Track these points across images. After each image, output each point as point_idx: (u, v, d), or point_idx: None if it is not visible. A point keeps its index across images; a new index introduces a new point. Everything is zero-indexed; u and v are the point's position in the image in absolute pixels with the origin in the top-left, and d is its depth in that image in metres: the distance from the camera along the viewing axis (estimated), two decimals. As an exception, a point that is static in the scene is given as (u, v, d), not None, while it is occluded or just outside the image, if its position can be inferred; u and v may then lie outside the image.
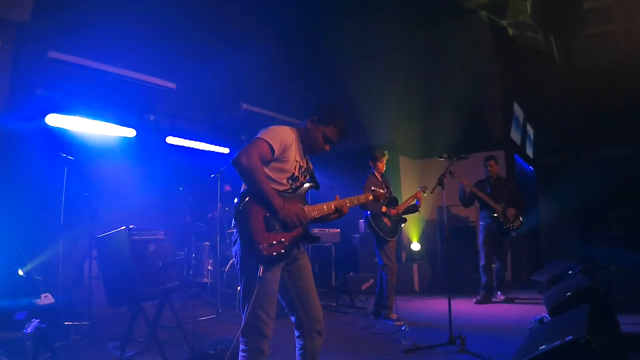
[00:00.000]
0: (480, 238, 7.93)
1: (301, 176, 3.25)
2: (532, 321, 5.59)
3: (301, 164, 3.25)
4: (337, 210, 3.33)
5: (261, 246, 2.92)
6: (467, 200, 7.87)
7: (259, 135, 3.03)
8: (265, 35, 9.40)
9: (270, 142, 2.98)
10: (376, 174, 6.70)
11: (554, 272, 6.89)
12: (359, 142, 10.34)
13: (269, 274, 2.97)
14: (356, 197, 3.57)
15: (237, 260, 3.07)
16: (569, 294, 4.93)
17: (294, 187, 3.20)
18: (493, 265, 7.78)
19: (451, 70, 8.52)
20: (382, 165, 6.73)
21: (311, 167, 3.43)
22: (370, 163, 6.75)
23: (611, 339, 3.32)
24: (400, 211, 6.65)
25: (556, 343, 2.81)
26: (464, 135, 9.18)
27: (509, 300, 7.63)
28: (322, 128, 3.24)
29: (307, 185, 3.29)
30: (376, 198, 3.79)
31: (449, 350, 4.82)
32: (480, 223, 7.97)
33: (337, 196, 3.41)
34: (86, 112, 7.13)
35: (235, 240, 3.07)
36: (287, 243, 3.04)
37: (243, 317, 2.99)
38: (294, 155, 3.16)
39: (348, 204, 3.40)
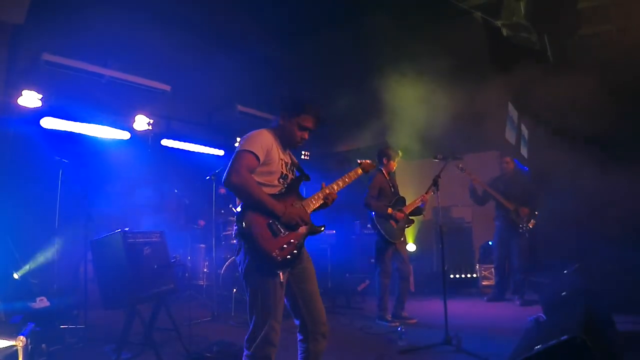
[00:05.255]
0: (495, 238, 7.80)
1: (290, 173, 3.26)
2: (528, 321, 5.60)
3: (286, 160, 3.25)
4: (325, 198, 3.32)
5: (274, 253, 2.93)
6: (479, 198, 7.72)
7: (239, 148, 3.01)
8: (260, 37, 9.38)
9: (253, 151, 2.98)
10: (384, 172, 6.59)
11: (550, 272, 6.88)
12: (355, 143, 10.36)
13: (277, 279, 2.96)
14: (345, 175, 3.54)
15: (242, 269, 3.05)
16: (564, 293, 4.94)
17: (286, 185, 3.20)
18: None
19: (445, 70, 8.53)
20: (393, 164, 6.61)
21: (296, 161, 3.43)
22: (384, 160, 6.59)
23: (607, 337, 3.34)
24: (407, 212, 6.52)
25: (551, 342, 2.81)
26: (458, 135, 9.19)
27: (526, 304, 7.21)
28: (295, 120, 3.22)
29: (299, 179, 3.30)
30: (364, 169, 3.75)
31: (445, 350, 4.83)
32: (496, 223, 7.80)
33: (323, 183, 3.38)
34: (81, 114, 7.12)
35: (240, 249, 3.06)
36: (297, 242, 3.07)
37: (250, 325, 2.98)
38: (277, 155, 3.16)
39: (335, 188, 3.39)
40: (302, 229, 3.13)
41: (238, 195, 2.99)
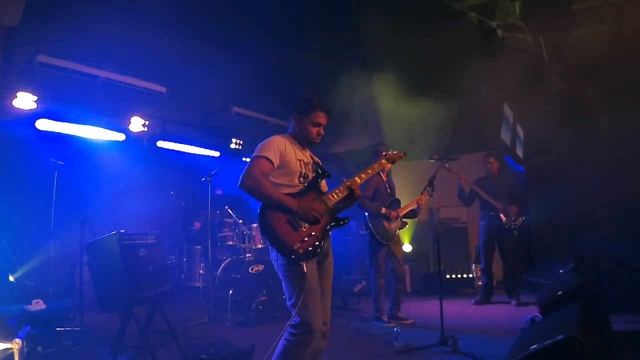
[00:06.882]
0: (481, 239, 7.68)
1: (309, 172, 3.42)
2: (524, 321, 5.61)
3: (305, 160, 3.42)
4: (350, 190, 3.38)
5: (295, 246, 3.11)
6: (466, 198, 7.61)
7: (255, 154, 3.21)
8: (255, 39, 9.38)
9: (266, 155, 3.17)
10: (381, 173, 6.58)
11: (545, 272, 6.88)
12: (351, 144, 10.36)
13: (309, 268, 3.13)
14: (369, 167, 3.64)
15: (277, 265, 3.24)
16: (560, 293, 4.95)
17: (306, 184, 3.36)
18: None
19: (441, 71, 8.54)
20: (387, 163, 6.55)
21: (317, 159, 3.59)
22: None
23: (602, 337, 3.35)
24: (401, 214, 6.50)
25: (547, 342, 2.81)
26: (454, 136, 9.20)
27: (521, 304, 7.22)
28: (307, 119, 3.41)
29: (318, 177, 3.44)
30: (390, 160, 3.89)
31: (441, 351, 4.83)
32: (481, 223, 7.70)
33: (344, 179, 3.46)
34: (76, 116, 7.10)
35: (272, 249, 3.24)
36: (318, 234, 3.22)
37: (293, 312, 3.11)
38: (293, 156, 3.33)
39: (358, 180, 3.45)
40: (323, 221, 3.25)
41: (253, 196, 3.15)
